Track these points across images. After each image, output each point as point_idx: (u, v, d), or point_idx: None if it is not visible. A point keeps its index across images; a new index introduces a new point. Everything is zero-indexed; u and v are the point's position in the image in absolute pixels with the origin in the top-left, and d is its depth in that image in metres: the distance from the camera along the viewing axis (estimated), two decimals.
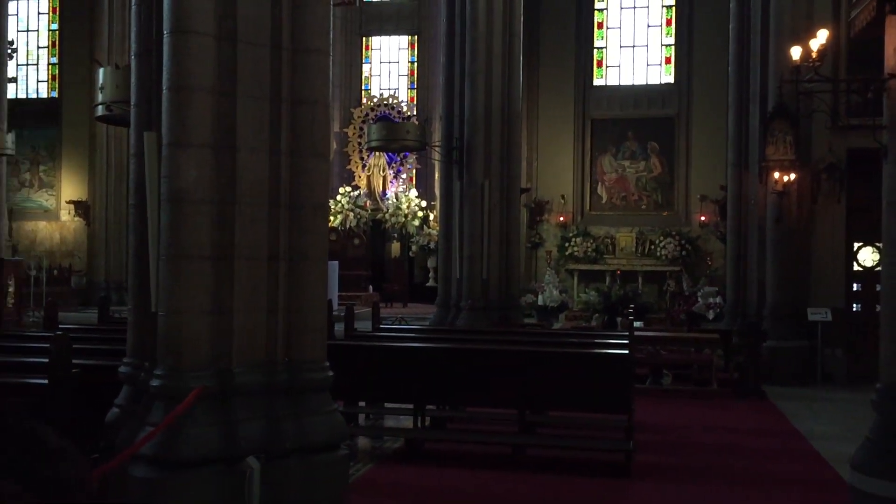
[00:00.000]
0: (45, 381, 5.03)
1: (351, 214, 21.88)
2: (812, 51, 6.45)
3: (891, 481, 4.22)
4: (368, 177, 22.74)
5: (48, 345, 5.37)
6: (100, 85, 6.11)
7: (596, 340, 8.16)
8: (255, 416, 4.70)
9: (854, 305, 12.12)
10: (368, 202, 22.37)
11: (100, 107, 6.15)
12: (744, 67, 12.53)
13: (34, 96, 22.55)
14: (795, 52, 7.06)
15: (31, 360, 5.91)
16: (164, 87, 4.64)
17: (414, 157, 22.07)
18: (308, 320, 4.95)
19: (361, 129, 21.89)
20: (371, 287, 20.60)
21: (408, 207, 21.82)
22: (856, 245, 12.32)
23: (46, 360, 5.15)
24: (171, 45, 4.59)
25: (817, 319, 11.48)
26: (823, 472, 6.95)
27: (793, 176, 11.62)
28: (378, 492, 6.19)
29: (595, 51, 20.15)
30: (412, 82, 23.38)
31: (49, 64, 22.62)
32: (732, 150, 12.73)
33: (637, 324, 12.18)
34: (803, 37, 7.15)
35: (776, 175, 11.66)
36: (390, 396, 7.87)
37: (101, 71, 6.08)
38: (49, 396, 4.98)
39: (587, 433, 7.83)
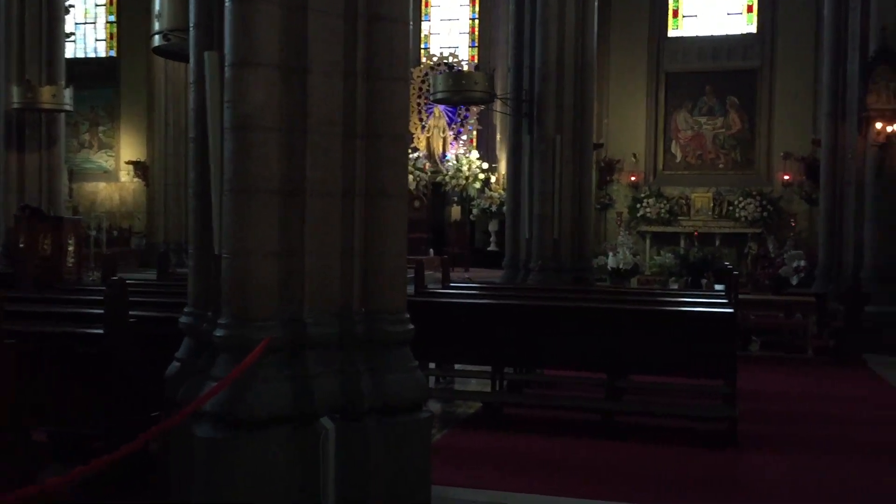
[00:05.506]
0: (101, 332, 4.62)
1: (410, 177, 21.34)
2: None
3: None
4: (428, 138, 22.12)
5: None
6: (156, 12, 5.60)
7: (689, 300, 7.46)
8: (330, 371, 4.18)
9: None
10: (428, 164, 21.78)
11: (156, 36, 5.64)
12: (842, 6, 11.52)
13: (92, 55, 22.44)
14: None
15: (90, 311, 5.53)
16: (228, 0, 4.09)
17: (475, 117, 21.40)
18: (387, 265, 4.39)
19: (420, 88, 21.26)
20: (432, 251, 20.13)
21: (468, 169, 21.19)
22: None
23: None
24: None
25: None
26: None
27: None
28: (456, 457, 5.66)
29: None
30: (473, 40, 22.66)
31: (107, 23, 22.46)
32: (828, 98, 11.76)
33: (718, 287, 11.43)
34: None
35: (878, 126, 10.73)
36: (466, 357, 7.33)
37: None
38: (107, 347, 4.57)
39: (681, 400, 7.19)
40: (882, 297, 10.31)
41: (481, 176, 21.00)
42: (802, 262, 12.44)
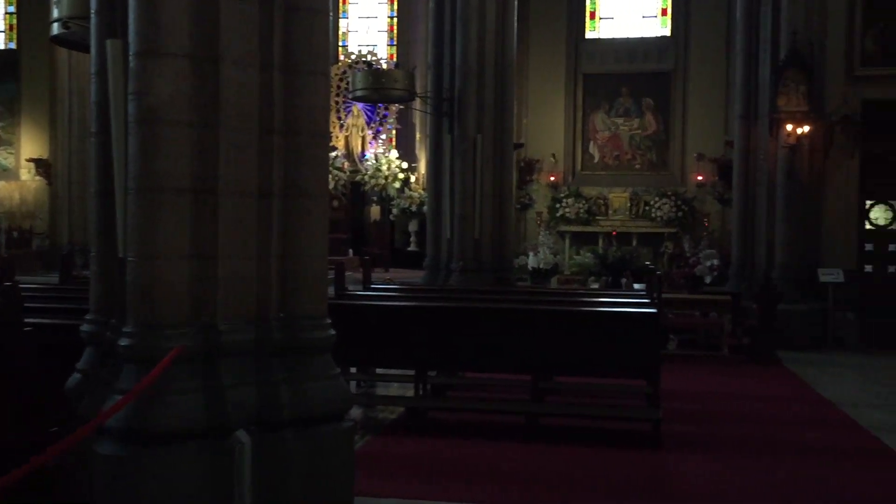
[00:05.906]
0: None
1: (329, 176, 20.95)
2: None
3: None
4: (347, 137, 21.77)
5: None
6: None
7: (613, 300, 7.45)
8: (246, 381, 3.94)
9: (866, 266, 11.57)
10: (346, 164, 21.43)
11: (55, 24, 5.26)
12: (754, 11, 11.78)
13: None
14: None
15: None
16: None
17: (394, 116, 21.16)
18: (307, 268, 4.17)
19: (339, 86, 20.90)
20: (351, 251, 19.82)
21: (388, 169, 20.93)
22: (868, 203, 11.75)
23: None
24: None
25: (829, 281, 10.92)
26: (869, 442, 6.36)
27: (806, 129, 10.98)
28: (380, 466, 5.47)
29: (588, 1, 19.22)
30: (391, 38, 22.40)
31: (6, 13, 21.26)
32: (740, 101, 12.01)
33: (637, 286, 11.55)
34: None
35: (788, 128, 11.02)
36: (388, 361, 7.13)
37: None
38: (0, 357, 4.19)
39: (606, 401, 7.17)
40: (793, 295, 10.59)
41: (401, 175, 20.78)
42: (716, 262, 12.71)
